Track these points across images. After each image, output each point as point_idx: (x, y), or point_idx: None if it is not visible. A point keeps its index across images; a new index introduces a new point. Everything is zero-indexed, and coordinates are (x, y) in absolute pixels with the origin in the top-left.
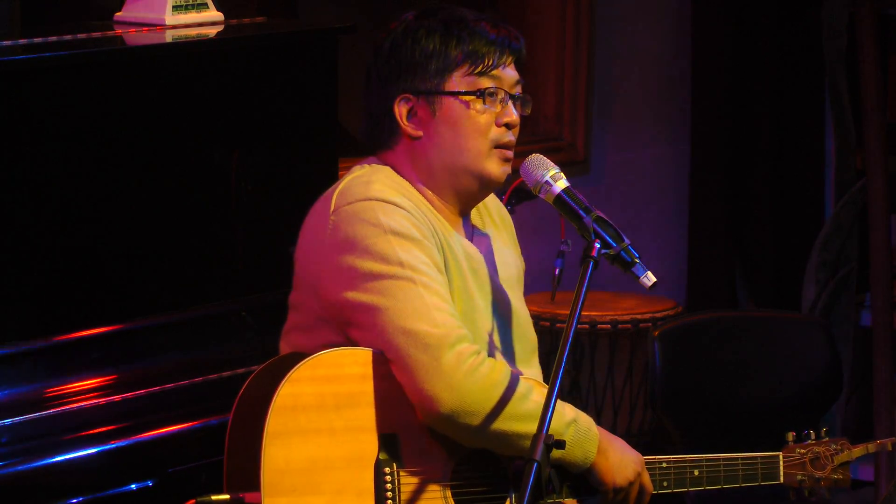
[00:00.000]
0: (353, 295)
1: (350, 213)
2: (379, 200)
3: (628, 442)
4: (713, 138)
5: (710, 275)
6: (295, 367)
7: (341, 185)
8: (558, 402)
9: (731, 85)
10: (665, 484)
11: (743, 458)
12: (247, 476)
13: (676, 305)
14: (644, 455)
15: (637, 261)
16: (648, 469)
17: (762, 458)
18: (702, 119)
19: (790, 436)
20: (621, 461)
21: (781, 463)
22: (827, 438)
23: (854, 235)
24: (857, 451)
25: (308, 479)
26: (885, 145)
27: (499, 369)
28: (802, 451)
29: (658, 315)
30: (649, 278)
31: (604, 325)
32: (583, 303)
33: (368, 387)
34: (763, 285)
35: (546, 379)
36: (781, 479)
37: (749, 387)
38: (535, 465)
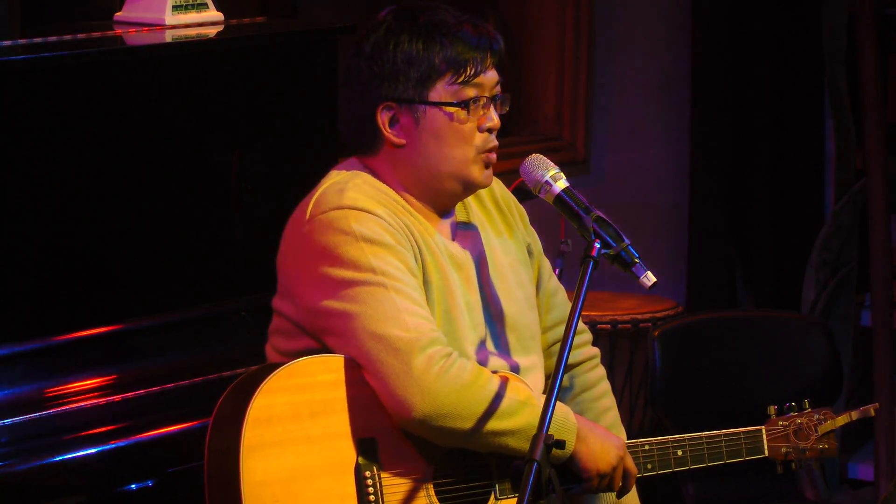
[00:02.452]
0: (327, 303)
1: (323, 221)
2: (352, 209)
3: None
4: (713, 138)
5: (710, 275)
6: (267, 379)
7: (317, 193)
8: (533, 395)
9: (731, 85)
10: (649, 466)
11: (725, 435)
12: (227, 491)
13: (676, 305)
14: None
15: (637, 261)
16: (631, 452)
17: (745, 433)
18: (702, 119)
19: (772, 409)
20: (602, 447)
21: (765, 437)
22: (809, 409)
23: (854, 235)
24: (841, 419)
25: (289, 489)
26: (885, 145)
27: (470, 369)
28: (785, 423)
29: (658, 315)
30: (649, 278)
31: (604, 325)
32: (583, 303)
33: (342, 393)
34: (763, 285)
35: (546, 378)
36: (766, 452)
37: (749, 387)
38: (535, 465)
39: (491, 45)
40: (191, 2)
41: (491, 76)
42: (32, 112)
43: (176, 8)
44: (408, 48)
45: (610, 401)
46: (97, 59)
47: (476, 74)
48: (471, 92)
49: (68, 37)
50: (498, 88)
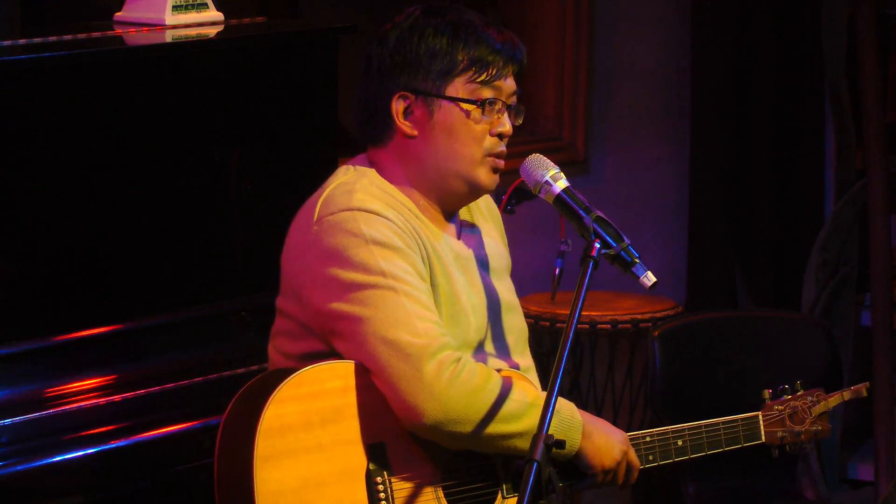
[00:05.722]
0: (336, 305)
1: (332, 223)
2: (361, 210)
3: None
4: (713, 138)
5: (710, 275)
6: (277, 388)
7: (325, 193)
8: (538, 394)
9: (731, 85)
10: (651, 458)
11: (724, 423)
12: (241, 501)
13: (676, 305)
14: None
15: (637, 261)
16: (633, 445)
17: (742, 419)
18: (702, 119)
19: (766, 393)
20: (607, 442)
21: (762, 422)
22: (802, 391)
23: (854, 235)
24: (833, 399)
25: (302, 497)
26: (885, 145)
27: (479, 373)
28: (780, 407)
29: (658, 315)
30: (649, 278)
31: (604, 325)
32: (583, 303)
33: (351, 399)
34: (763, 285)
35: (546, 379)
36: (763, 437)
37: (749, 387)
38: (535, 465)
39: (514, 53)
40: (191, 2)
41: (509, 83)
42: (32, 112)
43: (176, 8)
44: (432, 42)
45: None
46: (97, 59)
47: (496, 77)
48: (488, 93)
49: (68, 37)
50: (514, 98)
